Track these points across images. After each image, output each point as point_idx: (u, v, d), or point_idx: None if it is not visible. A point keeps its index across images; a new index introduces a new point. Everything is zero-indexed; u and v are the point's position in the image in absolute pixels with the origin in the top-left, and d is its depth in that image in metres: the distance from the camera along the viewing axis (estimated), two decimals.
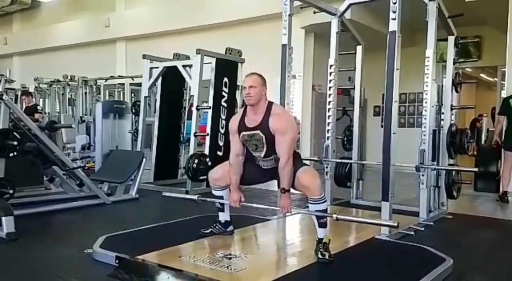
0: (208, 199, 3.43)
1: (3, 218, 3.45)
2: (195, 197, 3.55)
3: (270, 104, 3.10)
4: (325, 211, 2.99)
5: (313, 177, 2.95)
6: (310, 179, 2.93)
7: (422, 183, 4.25)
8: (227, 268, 2.72)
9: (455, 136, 4.55)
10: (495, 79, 10.18)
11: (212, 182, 3.37)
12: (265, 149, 3.07)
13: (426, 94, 4.26)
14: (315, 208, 2.96)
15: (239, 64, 6.26)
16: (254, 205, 3.38)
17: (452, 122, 4.66)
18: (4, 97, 4.23)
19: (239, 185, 3.21)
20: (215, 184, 3.35)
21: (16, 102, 9.38)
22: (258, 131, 3.04)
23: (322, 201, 2.96)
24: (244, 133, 3.11)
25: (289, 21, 4.14)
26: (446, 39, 4.75)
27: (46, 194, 5.39)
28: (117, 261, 2.85)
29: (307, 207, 3.04)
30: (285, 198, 2.98)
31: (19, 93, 10.22)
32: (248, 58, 6.37)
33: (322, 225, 2.98)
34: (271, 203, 5.03)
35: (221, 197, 3.36)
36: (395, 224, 2.86)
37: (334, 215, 2.87)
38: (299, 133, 8.42)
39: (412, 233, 3.77)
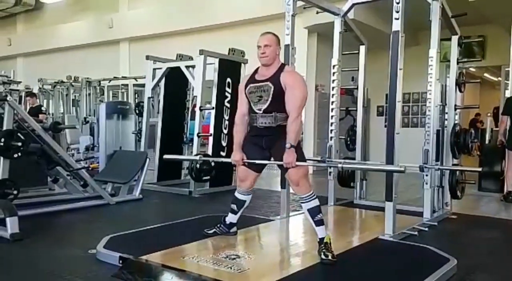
0: (210, 159, 3.36)
1: (8, 219, 3.46)
2: (197, 157, 3.49)
3: (283, 64, 3.09)
4: (318, 207, 2.98)
5: (301, 176, 2.95)
6: (298, 178, 2.94)
7: (426, 183, 4.24)
8: (231, 268, 2.72)
9: (459, 136, 4.53)
10: (499, 78, 10.14)
11: (239, 184, 3.32)
12: (268, 102, 2.98)
13: (430, 94, 4.25)
14: (307, 206, 2.98)
15: (242, 65, 6.27)
16: (257, 161, 3.14)
17: (456, 122, 4.65)
18: (8, 98, 4.25)
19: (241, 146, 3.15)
20: (241, 186, 3.31)
21: (20, 103, 9.42)
22: (268, 82, 2.98)
23: (311, 198, 2.97)
24: (252, 85, 3.06)
25: (292, 21, 4.13)
26: (449, 39, 4.74)
27: (50, 195, 5.41)
28: (120, 261, 2.85)
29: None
30: (290, 153, 2.88)
31: (23, 94, 10.27)
32: (251, 59, 6.37)
33: (319, 223, 2.98)
34: (273, 204, 5.05)
35: (244, 202, 3.33)
36: (402, 169, 2.78)
37: (339, 165, 2.86)
38: (302, 133, 8.42)
39: (416, 233, 3.77)
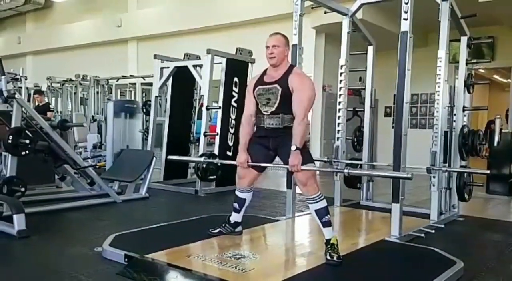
0: (215, 160, 3.37)
1: (15, 216, 3.48)
2: (201, 159, 3.49)
3: (292, 66, 3.09)
4: (325, 208, 2.97)
5: (309, 177, 2.93)
6: (306, 179, 2.92)
7: (433, 185, 4.21)
8: (236, 268, 2.71)
9: (467, 137, 4.50)
10: (509, 80, 10.05)
11: (238, 182, 3.33)
12: (276, 104, 2.99)
13: (438, 95, 4.22)
14: (314, 207, 2.96)
15: (250, 64, 6.27)
16: (262, 164, 3.18)
17: (464, 123, 4.61)
18: (16, 96, 4.28)
19: (247, 147, 3.15)
20: (239, 183, 3.32)
21: (28, 101, 9.49)
22: (276, 85, 2.99)
23: (319, 199, 2.95)
24: (260, 87, 3.07)
25: (300, 21, 4.12)
26: (458, 40, 4.70)
27: (57, 192, 5.44)
28: (126, 259, 2.86)
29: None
30: (295, 156, 2.88)
31: (31, 92, 10.34)
32: (258, 58, 6.37)
33: (326, 224, 2.96)
34: (279, 204, 5.04)
35: (244, 200, 3.33)
36: (409, 176, 2.75)
37: (345, 171, 2.85)
38: (309, 133, 8.40)
39: (423, 235, 3.74)
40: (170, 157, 3.85)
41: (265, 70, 3.15)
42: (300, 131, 2.88)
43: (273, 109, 3.01)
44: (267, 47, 3.04)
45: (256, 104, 3.11)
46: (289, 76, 2.99)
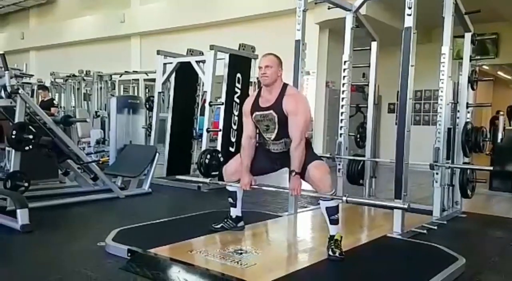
0: (220, 182, 3.42)
1: (18, 210, 3.50)
2: (207, 180, 3.54)
3: (285, 85, 3.09)
4: (336, 208, 2.97)
5: (324, 173, 2.93)
6: (321, 176, 2.91)
7: (436, 182, 4.20)
8: (238, 263, 2.72)
9: (470, 134, 4.49)
10: None
11: (227, 177, 3.36)
12: (276, 130, 3.03)
13: (442, 91, 4.21)
14: (326, 205, 2.95)
15: (252, 60, 6.25)
16: (264, 187, 3.31)
17: (468, 120, 4.60)
18: (20, 92, 4.29)
19: (249, 169, 3.18)
20: (230, 179, 3.34)
21: (32, 96, 9.52)
22: (271, 111, 3.01)
23: (332, 197, 2.94)
24: (257, 113, 3.09)
25: (303, 16, 4.11)
26: (462, 36, 4.68)
27: (60, 187, 5.47)
28: (129, 254, 2.88)
29: (319, 204, 3.03)
30: (295, 180, 2.93)
31: (35, 88, 10.37)
32: (261, 54, 6.35)
33: (334, 222, 2.97)
34: (282, 201, 5.04)
35: (235, 193, 3.37)
36: (405, 206, 2.80)
37: (344, 198, 2.86)
38: (311, 130, 8.40)
39: (425, 231, 3.74)
40: (178, 177, 3.91)
41: (260, 91, 3.16)
42: (298, 156, 2.91)
43: (274, 135, 3.07)
44: (260, 67, 3.07)
45: (258, 128, 3.16)
46: (283, 99, 3.00)
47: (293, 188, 2.95)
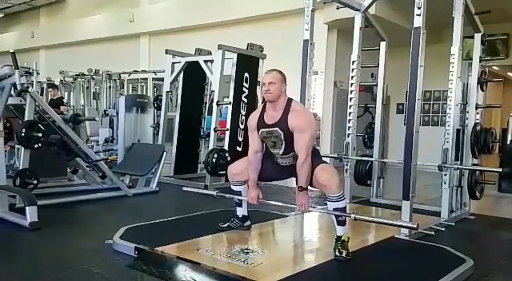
0: (227, 195, 3.44)
1: (27, 208, 3.54)
2: (214, 192, 3.56)
3: (290, 101, 3.08)
4: (344, 209, 2.96)
5: (331, 175, 2.91)
6: (328, 177, 2.90)
7: (445, 183, 4.17)
8: (244, 262, 2.73)
9: (479, 135, 4.45)
10: None
11: (231, 177, 3.38)
12: (283, 146, 3.05)
13: (451, 92, 4.18)
14: (334, 206, 2.94)
15: (260, 60, 6.25)
16: (272, 202, 3.37)
17: (477, 121, 4.56)
18: (30, 90, 4.33)
19: (257, 182, 3.21)
20: (234, 179, 3.36)
21: (42, 94, 9.58)
22: (277, 128, 3.02)
23: (340, 199, 2.93)
24: (263, 130, 3.10)
25: (312, 16, 4.10)
26: (472, 36, 4.64)
27: (69, 185, 5.51)
28: (136, 252, 2.89)
29: (326, 204, 3.02)
30: (303, 196, 2.96)
31: (45, 86, 10.44)
32: (269, 54, 6.36)
33: (341, 223, 2.97)
34: (289, 200, 5.03)
35: (240, 192, 3.38)
36: (415, 226, 2.80)
37: (352, 215, 2.84)
38: (319, 130, 8.39)
39: (433, 233, 3.71)
40: (185, 188, 3.90)
41: (264, 105, 3.15)
42: (305, 172, 2.91)
43: (282, 150, 3.08)
44: (264, 84, 3.07)
45: (263, 142, 3.17)
46: (288, 115, 2.99)
47: (301, 204, 2.97)
